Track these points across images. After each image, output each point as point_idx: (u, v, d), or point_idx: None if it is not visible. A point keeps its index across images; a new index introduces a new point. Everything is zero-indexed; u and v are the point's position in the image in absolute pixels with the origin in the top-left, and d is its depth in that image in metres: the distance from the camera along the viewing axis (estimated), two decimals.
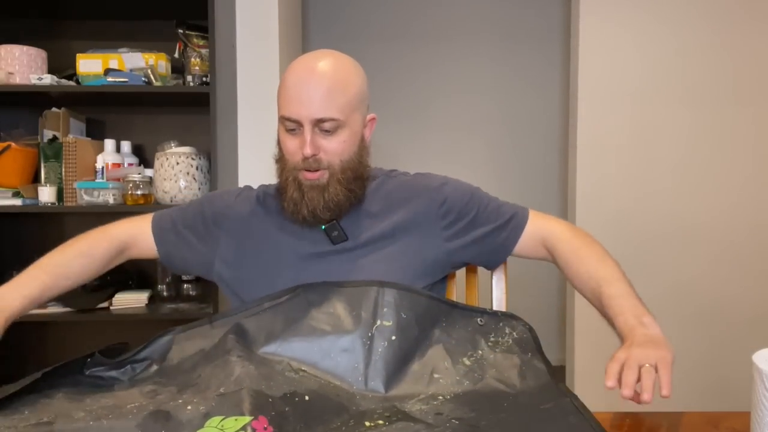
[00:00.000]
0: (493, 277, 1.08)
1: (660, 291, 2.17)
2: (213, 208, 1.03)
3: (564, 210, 2.91)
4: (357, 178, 0.95)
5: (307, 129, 0.89)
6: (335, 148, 0.91)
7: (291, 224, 0.97)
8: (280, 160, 0.96)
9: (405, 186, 1.02)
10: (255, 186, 1.09)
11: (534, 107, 3.12)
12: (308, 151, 0.89)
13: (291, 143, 0.92)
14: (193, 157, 1.77)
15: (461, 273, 1.10)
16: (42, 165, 1.78)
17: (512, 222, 0.99)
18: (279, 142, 0.96)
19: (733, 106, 2.14)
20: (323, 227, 0.95)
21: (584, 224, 2.19)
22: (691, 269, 2.17)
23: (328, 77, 0.89)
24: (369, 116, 0.99)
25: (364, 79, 0.96)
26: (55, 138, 1.82)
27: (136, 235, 1.04)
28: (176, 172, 1.74)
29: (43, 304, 1.74)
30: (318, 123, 0.89)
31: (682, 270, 2.17)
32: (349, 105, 0.91)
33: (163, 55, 1.82)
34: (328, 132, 0.90)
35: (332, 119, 0.89)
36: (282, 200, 0.96)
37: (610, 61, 2.15)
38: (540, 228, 0.99)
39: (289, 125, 0.91)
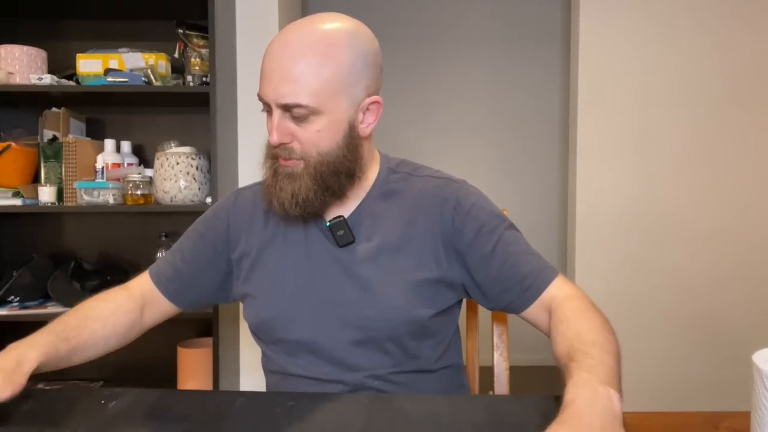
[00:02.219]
0: None
1: (660, 291, 2.17)
2: (215, 233, 0.93)
3: (564, 211, 2.91)
4: (338, 174, 0.81)
5: (276, 113, 0.78)
6: (310, 138, 0.79)
7: (279, 222, 0.89)
8: (265, 144, 0.87)
9: (427, 191, 0.88)
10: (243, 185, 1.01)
11: (534, 108, 3.12)
12: (274, 138, 0.78)
13: (269, 125, 0.81)
14: (193, 157, 1.77)
15: None
16: (42, 165, 1.78)
17: (528, 281, 0.83)
18: None
19: (732, 107, 2.14)
20: (328, 223, 0.85)
21: (584, 225, 2.19)
22: (691, 269, 2.16)
23: (300, 53, 0.75)
24: (369, 99, 0.82)
25: (361, 53, 0.79)
26: (55, 138, 1.82)
27: (146, 293, 0.93)
28: (176, 172, 1.74)
29: (43, 305, 1.75)
30: (286, 107, 0.77)
31: (682, 270, 2.17)
32: (327, 87, 0.76)
33: (163, 55, 1.82)
34: (297, 119, 0.78)
35: (299, 105, 0.76)
36: (262, 186, 0.87)
37: (609, 62, 2.15)
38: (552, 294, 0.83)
39: (263, 105, 0.80)
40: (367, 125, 0.84)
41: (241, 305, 0.98)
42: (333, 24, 0.78)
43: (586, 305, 0.79)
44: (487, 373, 1.04)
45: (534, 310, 0.84)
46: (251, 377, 1.94)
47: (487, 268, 0.85)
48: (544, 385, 2.74)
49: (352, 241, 0.85)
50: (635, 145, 2.16)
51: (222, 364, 1.77)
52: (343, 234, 0.85)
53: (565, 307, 0.78)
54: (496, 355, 1.04)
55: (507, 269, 0.84)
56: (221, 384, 1.76)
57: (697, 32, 2.13)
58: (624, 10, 2.14)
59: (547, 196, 3.12)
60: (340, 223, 0.85)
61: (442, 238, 0.86)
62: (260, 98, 0.79)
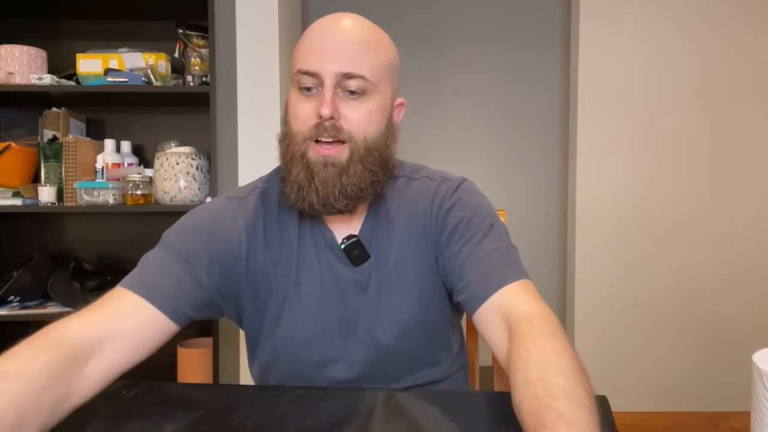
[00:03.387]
0: None
1: (660, 291, 2.17)
2: (197, 258, 0.79)
3: (564, 211, 2.91)
4: (381, 165, 0.77)
5: (329, 85, 0.72)
6: (360, 118, 0.74)
7: (296, 228, 0.81)
8: (286, 136, 0.77)
9: (422, 195, 0.84)
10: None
11: (534, 107, 3.12)
12: (326, 110, 0.71)
13: (304, 107, 0.74)
14: (193, 157, 1.77)
15: None
16: (42, 165, 1.78)
17: (484, 280, 0.75)
18: (287, 116, 0.78)
19: (734, 105, 2.14)
20: (342, 247, 0.80)
21: (584, 225, 2.19)
22: (691, 270, 2.16)
23: (359, 32, 0.74)
24: (399, 100, 0.84)
25: (397, 56, 0.82)
26: (55, 138, 1.82)
27: (116, 323, 0.70)
28: (176, 172, 1.74)
29: (43, 305, 1.75)
30: (343, 80, 0.73)
31: (682, 270, 2.17)
32: (382, 69, 0.76)
33: (163, 55, 1.82)
34: (353, 95, 0.74)
35: (361, 77, 0.73)
36: (285, 186, 0.77)
37: (610, 60, 2.15)
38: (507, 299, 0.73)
39: (306, 81, 0.73)
40: (396, 122, 0.84)
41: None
42: (371, 22, 0.79)
43: (549, 330, 0.64)
44: (487, 373, 1.03)
45: (482, 314, 0.73)
46: (251, 377, 1.94)
47: (452, 263, 0.79)
48: None
49: (368, 259, 0.81)
50: (636, 145, 2.16)
51: (222, 364, 1.77)
52: (358, 254, 0.80)
53: (524, 332, 0.64)
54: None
55: (468, 266, 0.77)
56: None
57: (698, 31, 2.13)
58: (624, 9, 2.14)
59: (547, 196, 3.11)
60: (355, 243, 0.80)
61: (427, 240, 0.83)
62: (306, 72, 0.73)
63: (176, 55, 1.90)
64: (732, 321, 2.15)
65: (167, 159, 1.75)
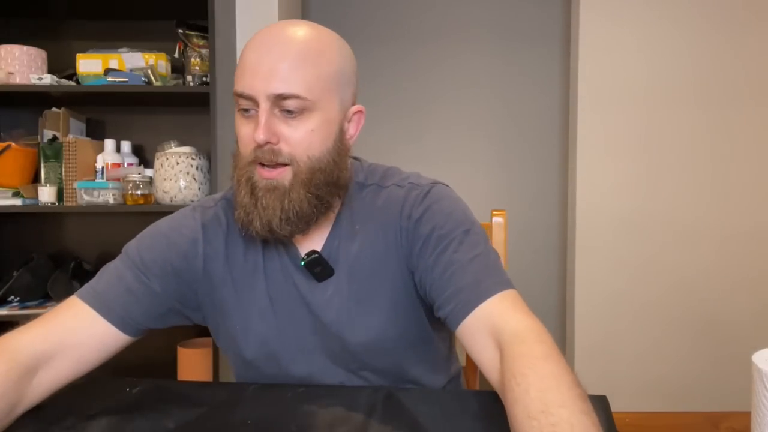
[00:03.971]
0: None
1: (660, 292, 2.17)
2: (152, 268, 0.79)
3: (564, 211, 2.91)
4: (329, 184, 0.74)
5: (263, 108, 0.68)
6: (300, 139, 0.70)
7: (254, 245, 0.79)
8: (235, 157, 0.75)
9: (391, 204, 0.80)
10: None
11: (534, 107, 3.12)
12: (260, 135, 0.68)
13: (245, 130, 0.71)
14: (193, 157, 1.77)
15: None
16: (42, 165, 1.78)
17: (465, 293, 0.71)
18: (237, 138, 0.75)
19: (735, 106, 2.14)
20: (302, 263, 0.77)
21: (584, 225, 2.19)
22: (692, 270, 2.16)
23: (295, 44, 0.69)
24: (354, 108, 0.77)
25: (349, 60, 0.75)
26: (55, 138, 1.82)
27: (75, 340, 0.72)
28: (176, 172, 1.74)
29: (43, 305, 1.75)
30: (277, 101, 0.68)
31: (682, 270, 2.17)
32: (322, 83, 0.70)
33: (163, 55, 1.82)
34: (290, 114, 0.69)
35: (295, 96, 0.68)
36: (235, 208, 0.75)
37: (610, 60, 2.15)
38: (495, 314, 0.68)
39: (243, 103, 0.70)
40: (350, 137, 0.78)
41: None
42: (322, 28, 0.74)
43: (544, 351, 0.60)
44: None
45: (466, 329, 0.69)
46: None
47: (428, 277, 0.75)
48: None
49: (332, 275, 0.78)
50: (636, 145, 2.16)
51: (222, 364, 1.77)
52: (320, 271, 0.77)
53: (518, 355, 0.60)
54: None
55: (446, 278, 0.72)
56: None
57: (698, 29, 2.13)
58: (624, 9, 2.14)
59: (548, 196, 3.12)
60: (316, 260, 0.77)
61: (399, 254, 0.78)
62: (240, 94, 0.70)
63: (176, 55, 1.90)
64: (732, 321, 2.15)
65: (167, 159, 1.75)
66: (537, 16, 3.08)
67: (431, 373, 0.86)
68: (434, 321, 0.80)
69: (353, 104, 0.77)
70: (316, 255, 0.77)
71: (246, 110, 0.71)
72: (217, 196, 0.86)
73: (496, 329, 0.66)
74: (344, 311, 0.78)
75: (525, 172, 3.13)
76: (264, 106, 0.69)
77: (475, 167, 3.11)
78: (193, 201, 1.76)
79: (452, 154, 3.10)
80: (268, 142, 0.69)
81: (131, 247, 0.82)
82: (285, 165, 0.71)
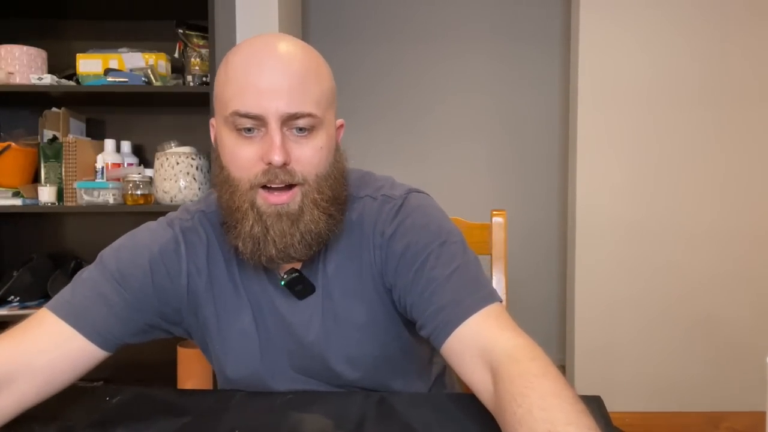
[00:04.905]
0: (492, 278, 1.07)
1: (661, 292, 2.17)
2: (132, 285, 0.74)
3: (564, 211, 2.91)
4: (336, 201, 0.72)
5: (275, 128, 0.65)
6: (311, 157, 0.68)
7: (233, 264, 0.77)
8: (226, 181, 0.69)
9: (364, 219, 0.77)
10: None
11: (534, 107, 3.12)
12: (278, 157, 0.64)
13: (246, 152, 0.67)
14: (193, 157, 1.77)
15: None
16: (42, 165, 1.78)
17: (446, 311, 0.68)
18: (222, 159, 0.70)
19: (736, 106, 2.14)
20: (282, 282, 0.74)
21: (584, 225, 2.19)
22: (692, 270, 2.16)
23: (296, 62, 0.67)
24: (339, 122, 0.77)
25: (332, 74, 0.74)
26: (55, 138, 1.82)
27: (32, 357, 0.67)
28: (176, 172, 1.74)
29: (43, 305, 1.75)
30: (288, 120, 0.66)
31: (682, 271, 2.17)
32: (325, 98, 0.69)
33: (163, 55, 1.82)
34: (302, 132, 0.67)
35: (309, 115, 0.66)
36: (232, 237, 0.70)
37: (610, 60, 2.15)
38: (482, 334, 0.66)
39: (244, 123, 0.66)
40: (340, 146, 0.77)
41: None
42: (302, 43, 0.71)
43: (540, 368, 0.58)
44: None
45: (451, 349, 0.67)
46: None
47: (408, 296, 0.72)
48: None
49: (313, 292, 0.75)
50: (636, 145, 2.16)
51: None
52: (301, 289, 0.75)
53: (515, 375, 0.58)
54: None
55: (426, 297, 0.70)
56: (221, 384, 1.76)
57: (699, 30, 2.13)
58: (625, 9, 2.14)
59: (547, 196, 3.11)
60: (297, 278, 0.74)
61: (373, 271, 0.76)
62: (245, 115, 0.65)
63: (176, 55, 1.90)
64: (732, 321, 2.15)
65: (167, 159, 1.75)
66: (537, 15, 3.08)
67: (415, 380, 0.86)
68: (415, 332, 0.77)
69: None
70: (296, 273, 0.74)
71: (248, 130, 0.66)
72: (191, 208, 0.81)
73: (485, 350, 0.64)
74: (323, 330, 0.76)
75: (525, 172, 3.13)
76: (275, 125, 0.65)
77: (475, 167, 3.11)
78: (192, 201, 1.76)
79: (452, 154, 3.10)
80: (285, 163, 0.66)
81: (108, 257, 0.76)
82: (293, 186, 0.68)
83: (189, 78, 1.81)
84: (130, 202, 1.74)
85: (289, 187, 0.68)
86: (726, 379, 2.14)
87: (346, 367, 0.78)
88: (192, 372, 1.80)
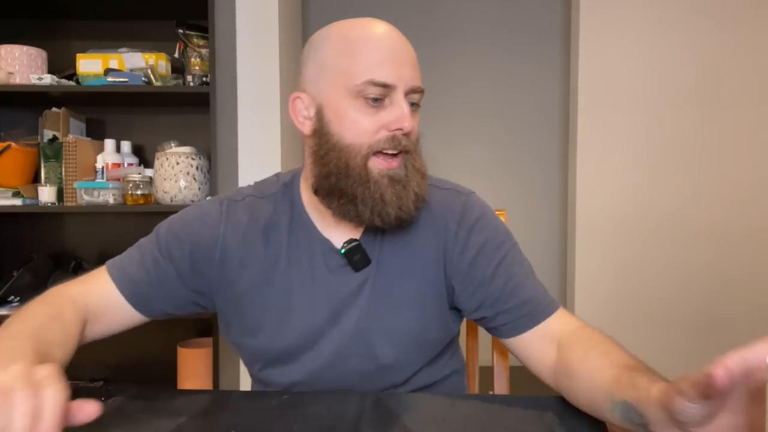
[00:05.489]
0: None
1: (661, 292, 2.17)
2: (199, 246, 0.79)
3: (564, 211, 2.91)
4: (423, 172, 0.77)
5: (402, 98, 0.71)
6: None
7: (298, 241, 0.79)
8: (334, 148, 0.72)
9: (431, 204, 0.81)
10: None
11: (534, 107, 3.12)
12: (409, 124, 0.70)
13: (370, 119, 0.71)
14: (193, 157, 1.77)
15: None
16: (42, 165, 1.78)
17: (528, 306, 0.76)
18: (334, 126, 0.73)
19: (736, 106, 2.14)
20: (342, 251, 0.77)
21: (584, 225, 2.19)
22: (692, 270, 2.17)
23: (408, 42, 0.75)
24: None
25: None
26: (55, 138, 1.82)
27: (99, 302, 0.78)
28: (176, 172, 1.74)
29: None
30: (409, 93, 0.73)
31: (682, 271, 2.17)
32: None
33: (163, 55, 1.82)
34: (413, 106, 0.73)
35: (422, 90, 0.74)
36: (339, 202, 0.74)
37: (610, 61, 2.15)
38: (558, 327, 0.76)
39: (375, 92, 0.70)
40: None
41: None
42: None
43: (602, 335, 0.71)
44: (487, 373, 1.03)
45: (528, 338, 0.76)
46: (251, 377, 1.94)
47: (488, 287, 0.78)
48: (543, 385, 2.73)
49: (368, 264, 0.78)
50: (636, 145, 2.16)
51: (222, 364, 1.77)
52: (359, 259, 0.77)
53: (583, 337, 0.71)
54: (496, 355, 1.04)
55: (508, 291, 0.77)
56: (221, 384, 1.76)
57: (699, 31, 2.13)
58: (625, 8, 2.14)
59: (547, 196, 3.12)
60: (355, 248, 0.77)
61: (444, 255, 0.80)
62: (380, 83, 0.70)
63: (176, 55, 1.90)
64: (732, 321, 2.15)
65: (167, 159, 1.75)
66: (537, 15, 3.08)
67: (437, 371, 0.86)
68: (455, 325, 0.84)
69: None
70: (356, 242, 0.77)
71: (375, 100, 0.70)
72: (246, 191, 0.85)
73: (556, 337, 0.74)
74: (370, 303, 0.78)
75: (525, 171, 3.13)
76: (401, 96, 0.71)
77: (475, 167, 3.11)
78: (192, 201, 1.76)
79: (452, 154, 3.10)
80: (409, 132, 0.72)
81: (162, 228, 0.82)
82: (399, 154, 0.73)
83: (189, 78, 1.81)
84: (130, 202, 1.74)
85: (397, 154, 0.73)
86: None
87: (384, 342, 0.78)
88: (192, 372, 1.80)
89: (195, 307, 0.83)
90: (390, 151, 0.72)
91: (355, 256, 0.77)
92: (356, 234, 0.79)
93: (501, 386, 1.03)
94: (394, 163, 0.72)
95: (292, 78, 2.07)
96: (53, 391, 0.47)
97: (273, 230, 0.80)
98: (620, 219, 2.17)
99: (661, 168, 2.16)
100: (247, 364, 0.89)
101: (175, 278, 0.79)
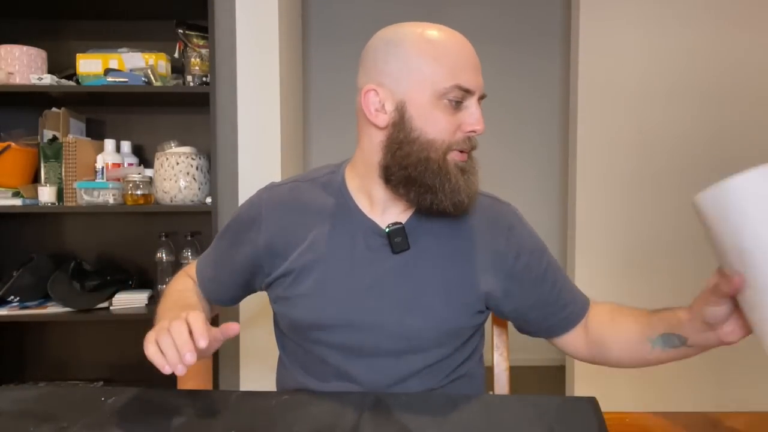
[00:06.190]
0: None
1: (660, 292, 2.17)
2: (246, 233, 0.90)
3: (564, 211, 2.91)
4: None
5: (477, 103, 0.81)
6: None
7: (340, 221, 0.86)
8: (416, 142, 0.79)
9: (478, 208, 0.89)
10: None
11: (534, 106, 3.12)
12: (481, 127, 0.80)
13: (450, 120, 0.79)
14: (193, 157, 1.77)
15: None
16: (42, 165, 1.78)
17: (570, 306, 0.89)
18: (413, 121, 0.79)
19: (736, 105, 2.14)
20: (387, 230, 0.83)
21: (584, 225, 2.19)
22: (692, 270, 2.16)
23: None
24: None
25: None
26: (55, 138, 1.82)
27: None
28: (176, 172, 1.74)
29: (43, 305, 1.75)
30: (479, 99, 0.82)
31: (682, 271, 2.16)
32: None
33: (163, 55, 1.82)
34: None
35: (485, 96, 0.84)
36: (420, 191, 0.80)
37: (610, 59, 2.15)
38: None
39: (458, 95, 0.78)
40: None
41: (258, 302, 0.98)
42: None
43: (612, 303, 0.90)
44: (487, 373, 1.03)
45: (573, 335, 0.89)
46: (251, 377, 1.94)
47: (538, 289, 0.88)
48: (544, 385, 2.72)
49: (407, 249, 0.84)
50: (636, 145, 2.16)
51: (222, 364, 1.77)
52: (400, 241, 0.83)
53: (601, 311, 0.89)
54: (495, 355, 1.04)
55: (556, 293, 0.89)
56: (221, 384, 1.76)
57: (699, 30, 2.13)
58: (624, 9, 2.14)
59: (548, 196, 3.12)
60: (399, 230, 0.83)
61: (492, 257, 0.86)
62: (464, 88, 0.79)
63: (176, 55, 1.90)
64: None
65: (167, 159, 1.75)
66: (537, 16, 3.08)
67: (459, 360, 0.90)
68: (482, 316, 0.90)
69: None
70: (401, 225, 0.84)
71: (457, 103, 0.79)
72: (293, 177, 0.93)
73: (587, 314, 0.90)
74: (407, 284, 0.83)
75: (525, 171, 3.13)
76: (476, 101, 0.80)
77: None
78: (192, 201, 1.76)
79: None
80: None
81: (230, 221, 0.95)
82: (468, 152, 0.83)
83: (189, 78, 1.81)
84: (130, 202, 1.74)
85: (467, 151, 0.82)
86: (726, 379, 2.14)
87: (416, 323, 0.83)
88: (192, 372, 1.80)
89: (248, 289, 0.96)
90: (463, 149, 0.81)
91: (397, 238, 0.83)
92: (401, 220, 0.86)
93: (501, 386, 1.04)
94: (464, 157, 0.81)
95: (292, 78, 2.07)
96: (195, 314, 0.69)
97: (313, 209, 0.87)
98: (620, 219, 2.17)
99: (662, 167, 2.16)
100: (286, 333, 0.94)
101: (236, 260, 0.91)
